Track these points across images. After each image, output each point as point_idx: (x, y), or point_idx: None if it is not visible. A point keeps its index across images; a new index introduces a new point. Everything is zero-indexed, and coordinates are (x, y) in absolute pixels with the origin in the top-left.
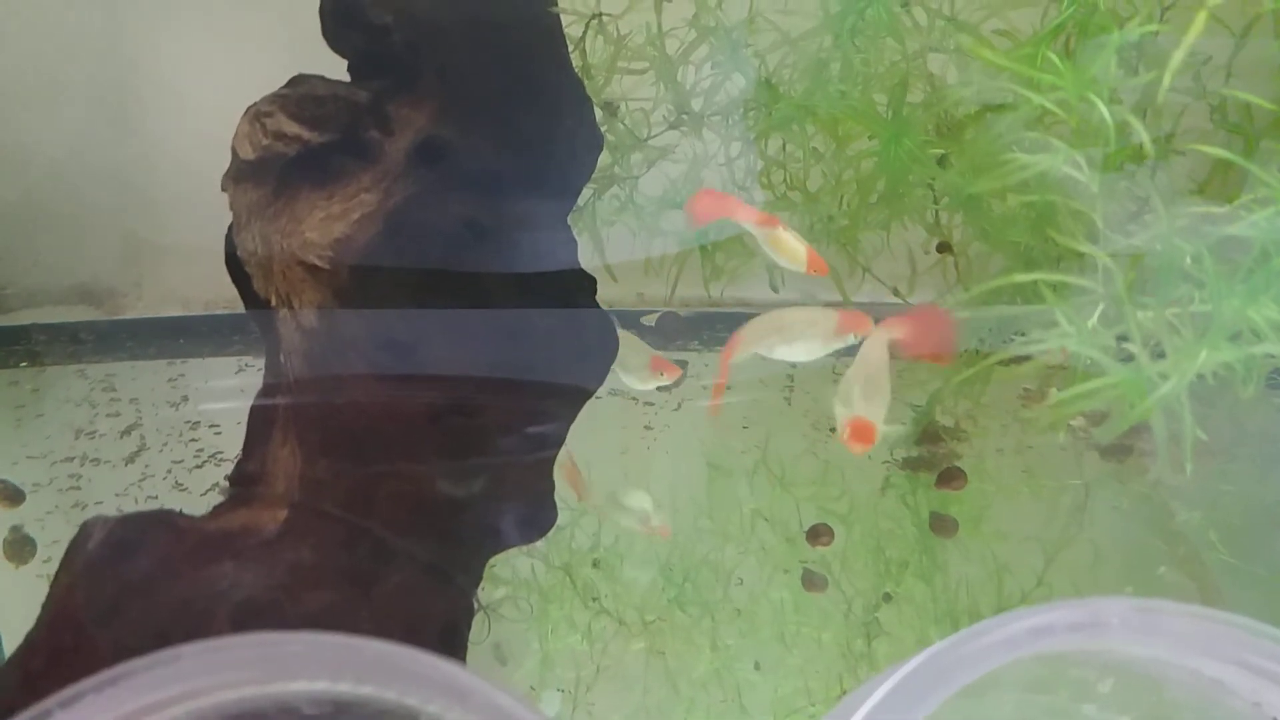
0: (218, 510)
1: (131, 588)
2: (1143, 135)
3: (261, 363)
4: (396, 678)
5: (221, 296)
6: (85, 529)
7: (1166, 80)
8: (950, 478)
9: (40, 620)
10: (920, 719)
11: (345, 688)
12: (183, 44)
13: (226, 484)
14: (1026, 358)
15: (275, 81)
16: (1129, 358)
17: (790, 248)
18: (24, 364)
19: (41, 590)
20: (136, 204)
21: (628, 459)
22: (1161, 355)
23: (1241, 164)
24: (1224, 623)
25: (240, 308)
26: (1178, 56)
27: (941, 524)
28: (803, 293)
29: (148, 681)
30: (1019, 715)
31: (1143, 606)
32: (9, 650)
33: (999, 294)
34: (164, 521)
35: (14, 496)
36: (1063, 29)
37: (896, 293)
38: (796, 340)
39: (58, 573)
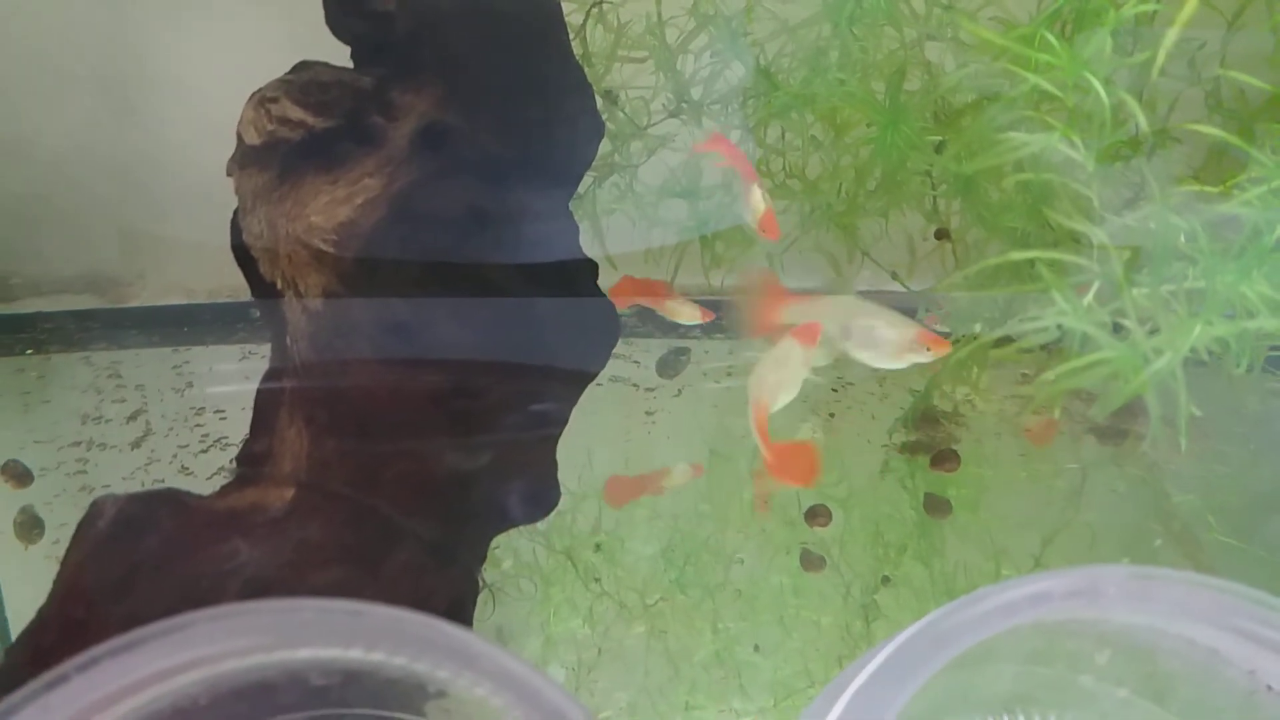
0: (226, 489)
1: (141, 565)
2: (1138, 115)
3: (265, 349)
4: (406, 644)
5: (225, 285)
6: (96, 507)
7: (1160, 58)
8: (944, 459)
9: (51, 597)
10: (919, 684)
11: (355, 654)
12: (186, 35)
13: (234, 465)
14: (1012, 339)
15: (278, 72)
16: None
17: (754, 204)
18: (30, 351)
19: (48, 571)
20: (140, 194)
21: (630, 444)
22: (1154, 331)
23: (1236, 144)
24: (1219, 590)
25: (243, 296)
26: (1171, 35)
27: (935, 505)
28: (801, 278)
29: (163, 647)
30: (1017, 687)
31: (1139, 574)
32: (18, 628)
33: (995, 277)
34: (173, 500)
35: (22, 477)
36: (1059, 15)
37: (895, 276)
38: (877, 344)
39: (69, 550)
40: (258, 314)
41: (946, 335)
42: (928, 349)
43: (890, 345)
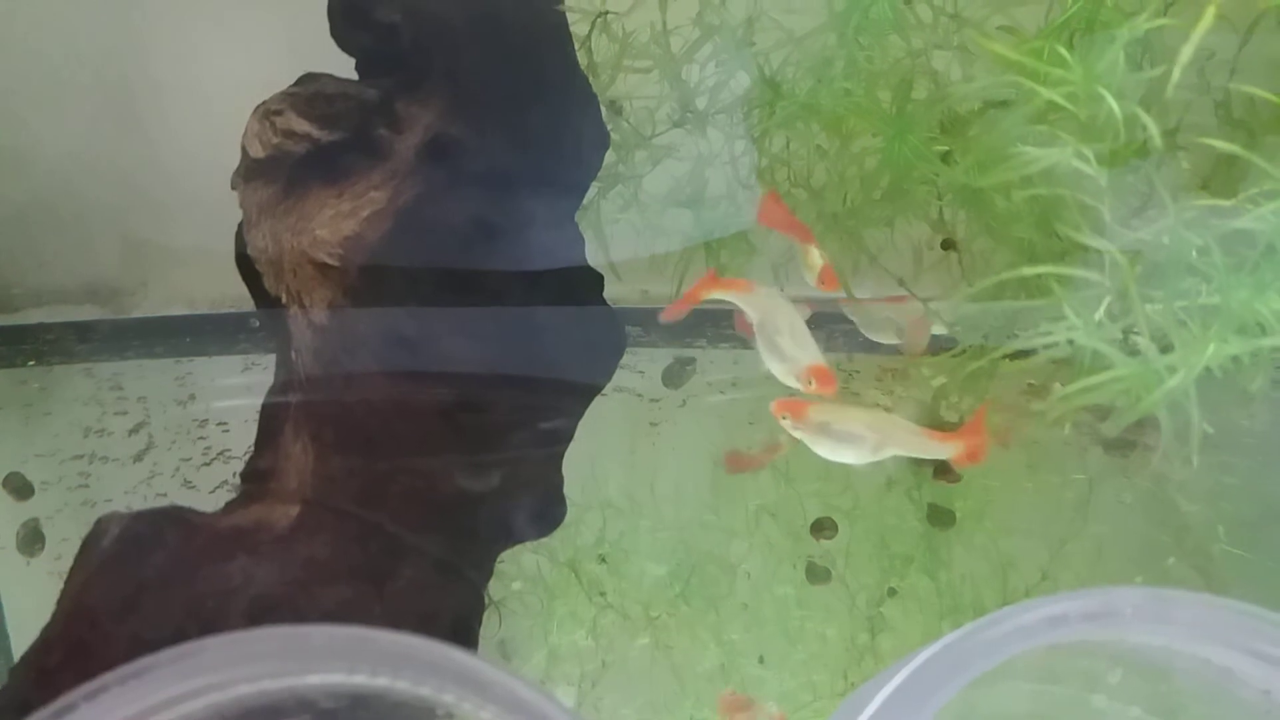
0: (231, 506)
1: (147, 584)
2: (1152, 129)
3: (268, 361)
4: (412, 668)
5: (227, 295)
6: (100, 525)
7: (1175, 75)
8: (948, 470)
9: (56, 616)
10: (937, 707)
11: (361, 679)
12: (189, 44)
13: (238, 481)
14: (1031, 351)
15: (281, 82)
16: (1134, 351)
17: (812, 262)
18: (31, 363)
19: (49, 586)
20: (142, 204)
21: (635, 456)
22: (1166, 349)
23: (1247, 158)
24: (1235, 611)
25: (246, 306)
26: (1187, 51)
27: (938, 516)
28: (802, 289)
29: (170, 675)
30: (1031, 706)
31: (1156, 595)
32: (20, 645)
33: (1002, 289)
34: (178, 518)
35: (23, 490)
36: (1068, 25)
37: (902, 283)
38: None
39: (73, 569)
40: (257, 323)
41: (953, 344)
42: (811, 383)
43: (784, 364)
